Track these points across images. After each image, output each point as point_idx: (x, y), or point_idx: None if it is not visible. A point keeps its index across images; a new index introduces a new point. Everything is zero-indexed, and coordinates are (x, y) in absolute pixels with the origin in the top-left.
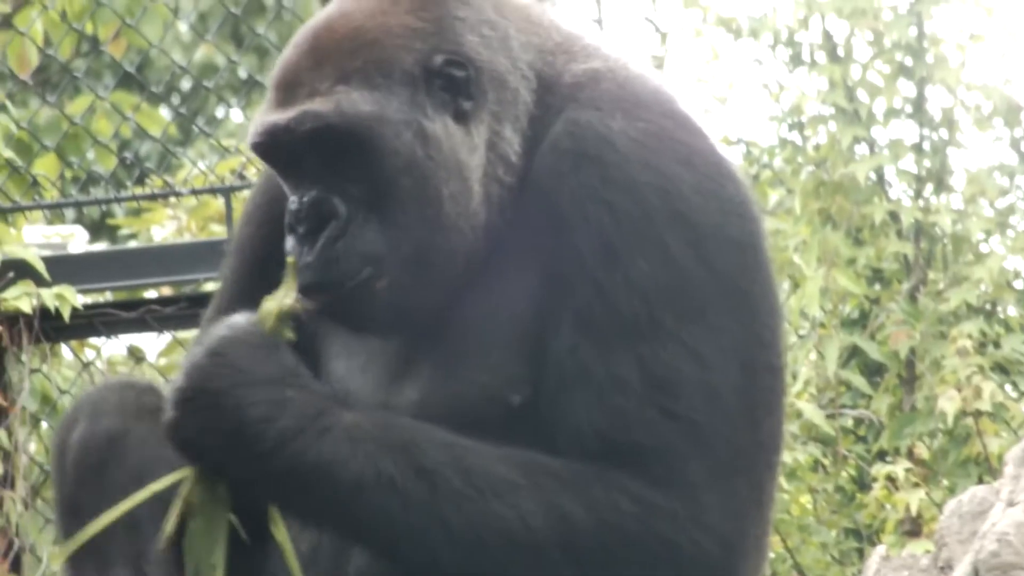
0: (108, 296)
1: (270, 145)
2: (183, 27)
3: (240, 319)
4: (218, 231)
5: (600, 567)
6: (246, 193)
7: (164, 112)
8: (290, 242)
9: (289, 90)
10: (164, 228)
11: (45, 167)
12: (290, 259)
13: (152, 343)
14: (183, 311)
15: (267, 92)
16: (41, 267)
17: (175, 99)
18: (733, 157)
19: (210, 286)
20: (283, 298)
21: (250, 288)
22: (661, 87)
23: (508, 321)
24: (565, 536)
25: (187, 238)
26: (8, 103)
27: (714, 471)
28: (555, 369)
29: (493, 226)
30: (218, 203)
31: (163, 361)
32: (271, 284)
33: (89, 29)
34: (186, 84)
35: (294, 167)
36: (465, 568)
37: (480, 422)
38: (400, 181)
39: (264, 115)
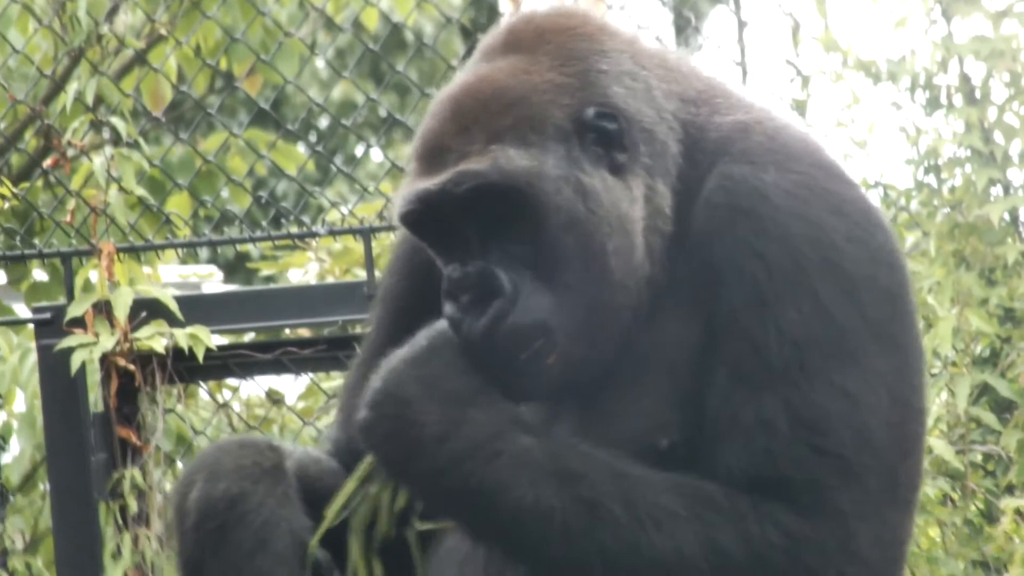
0: (248, 337)
1: (423, 213)
2: (320, 64)
3: (443, 328)
4: (360, 275)
5: None
6: (385, 235)
7: (301, 149)
8: (449, 308)
9: (437, 157)
10: (305, 272)
11: (178, 205)
12: None
13: (291, 386)
14: (321, 353)
15: (410, 164)
16: (174, 307)
17: (312, 137)
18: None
19: (350, 328)
20: None
21: (397, 336)
22: (808, 136)
23: (664, 369)
24: (717, 567)
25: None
26: (141, 140)
27: (862, 503)
28: (711, 418)
29: (654, 280)
30: (361, 247)
31: (301, 405)
32: (416, 332)
33: (223, 65)
34: (323, 122)
35: (449, 236)
36: None
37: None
38: (565, 240)
39: (412, 184)
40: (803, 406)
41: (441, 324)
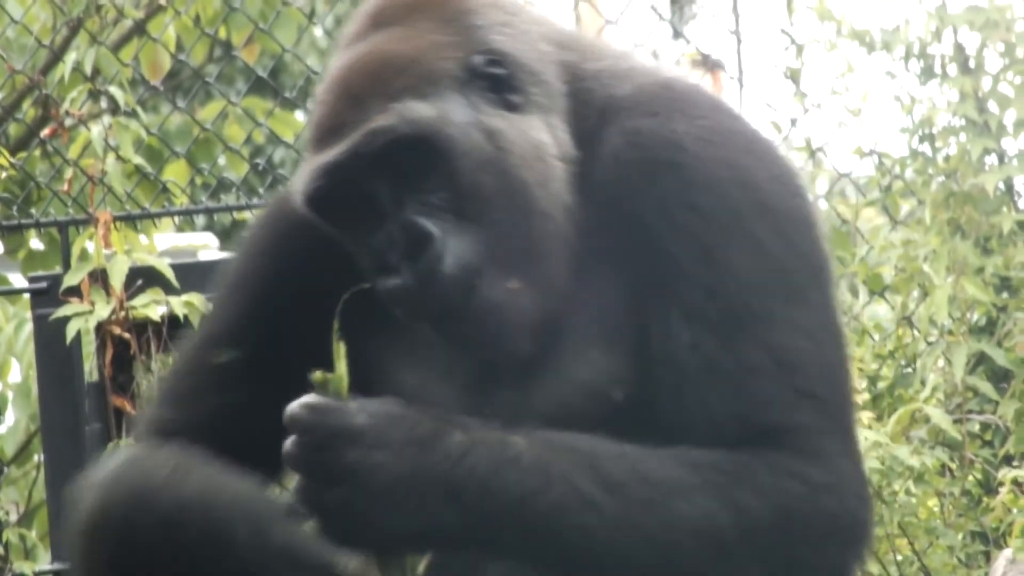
0: None
1: (331, 186)
2: (318, 32)
3: (364, 407)
4: None
5: (778, 551)
6: None
7: (299, 117)
8: (384, 279)
9: (335, 134)
10: None
11: (175, 174)
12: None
13: None
14: None
15: (307, 152)
16: (171, 275)
17: (310, 105)
18: (864, 168)
19: None
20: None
21: (254, 325)
22: (692, 81)
23: (603, 320)
24: (746, 527)
25: None
26: (139, 109)
27: (843, 440)
28: (673, 368)
29: (573, 215)
30: None
31: None
32: (275, 323)
33: (222, 34)
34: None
35: (360, 207)
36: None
37: (584, 420)
38: (482, 180)
39: (315, 161)
40: (779, 348)
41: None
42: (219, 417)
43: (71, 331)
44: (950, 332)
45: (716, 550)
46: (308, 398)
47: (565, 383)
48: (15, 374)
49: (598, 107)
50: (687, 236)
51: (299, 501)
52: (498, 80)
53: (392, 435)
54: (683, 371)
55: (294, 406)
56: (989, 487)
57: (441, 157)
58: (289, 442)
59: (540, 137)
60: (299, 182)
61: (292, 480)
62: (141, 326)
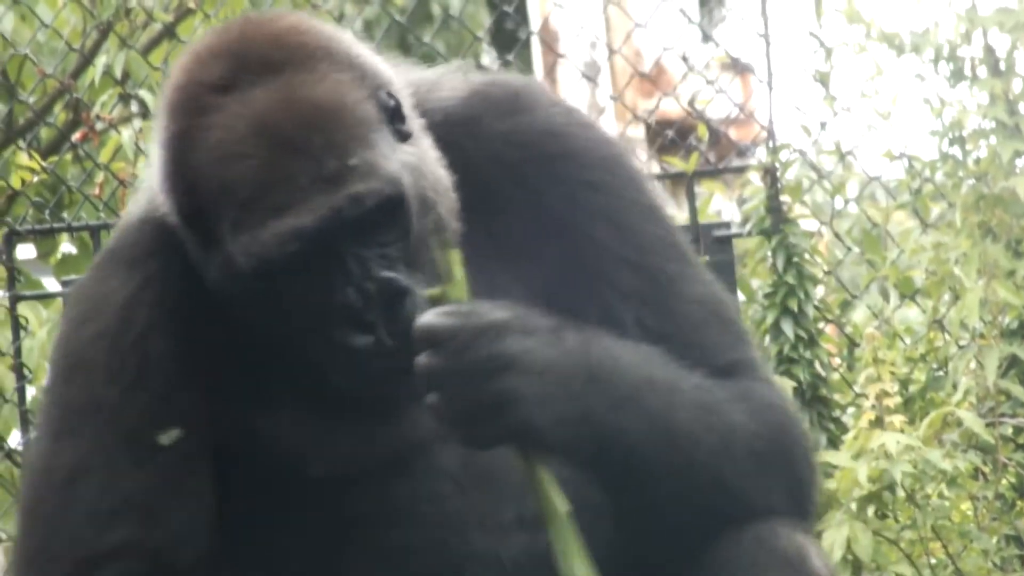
0: None
1: (302, 252)
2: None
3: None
4: None
5: (786, 464)
6: None
7: None
8: (361, 337)
9: (284, 189)
10: None
11: None
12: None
13: None
14: None
15: (234, 210)
16: None
17: None
18: (894, 171)
19: None
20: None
21: (183, 395)
22: (513, 77)
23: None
24: (768, 438)
25: None
26: None
27: (765, 365)
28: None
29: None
30: None
31: None
32: (196, 384)
33: None
34: None
35: (330, 264)
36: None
37: None
38: (423, 223)
39: (270, 226)
40: (703, 300)
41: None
42: (195, 522)
43: None
44: (982, 335)
45: (755, 461)
46: (438, 309)
47: None
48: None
49: (440, 119)
50: (602, 218)
51: (446, 413)
52: (393, 111)
53: (533, 324)
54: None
55: (428, 319)
56: (1023, 491)
57: (401, 210)
58: (428, 355)
59: (433, 163)
60: (252, 248)
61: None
62: None
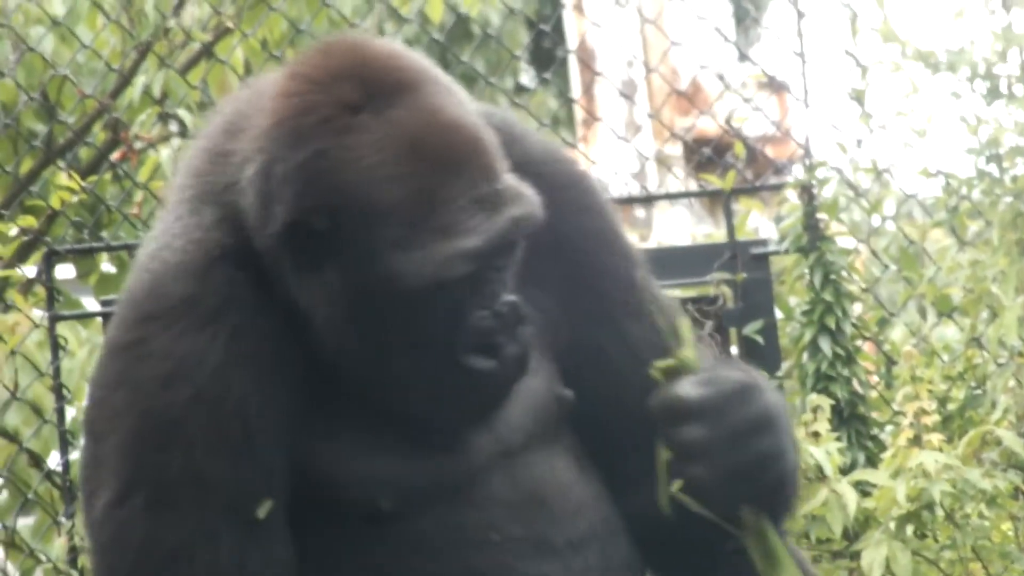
0: None
1: (478, 267)
2: None
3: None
4: None
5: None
6: None
7: None
8: (485, 361)
9: (454, 210)
10: None
11: None
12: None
13: None
14: None
15: (405, 230)
16: None
17: None
18: (931, 189)
19: None
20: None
21: (267, 455)
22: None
23: (539, 337)
24: None
25: None
26: None
27: None
28: (629, 356)
29: None
30: None
31: None
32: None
33: (289, 56)
34: None
35: (471, 284)
36: None
37: (551, 419)
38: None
39: (450, 243)
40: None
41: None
42: None
43: None
44: (1020, 353)
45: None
46: (688, 381)
47: (528, 393)
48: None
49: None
50: (608, 248)
51: (710, 481)
52: None
53: (761, 378)
54: (638, 356)
55: (683, 391)
56: None
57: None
58: (690, 428)
59: None
60: (425, 264)
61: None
62: None
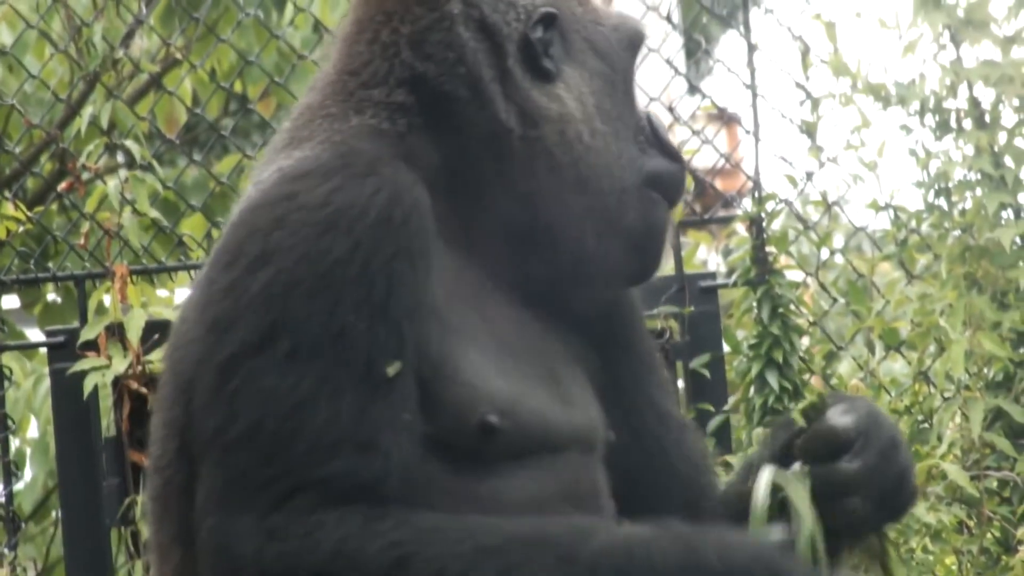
0: None
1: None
2: None
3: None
4: None
5: None
6: None
7: None
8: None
9: None
10: None
11: (192, 227)
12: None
13: None
14: None
15: None
16: None
17: None
18: (880, 222)
19: None
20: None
21: (404, 323)
22: None
23: (586, 373)
24: None
25: None
26: (155, 163)
27: None
28: (654, 420)
29: None
30: None
31: None
32: (416, 311)
33: (238, 88)
34: None
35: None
36: None
37: (601, 442)
38: None
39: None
40: None
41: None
42: (411, 450)
43: (88, 385)
44: (967, 387)
45: None
46: (835, 411)
47: (586, 414)
48: (33, 430)
49: None
50: (640, 315)
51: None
52: None
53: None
54: (661, 415)
55: (836, 422)
56: (1008, 545)
57: None
58: (848, 459)
59: None
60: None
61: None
62: (158, 380)
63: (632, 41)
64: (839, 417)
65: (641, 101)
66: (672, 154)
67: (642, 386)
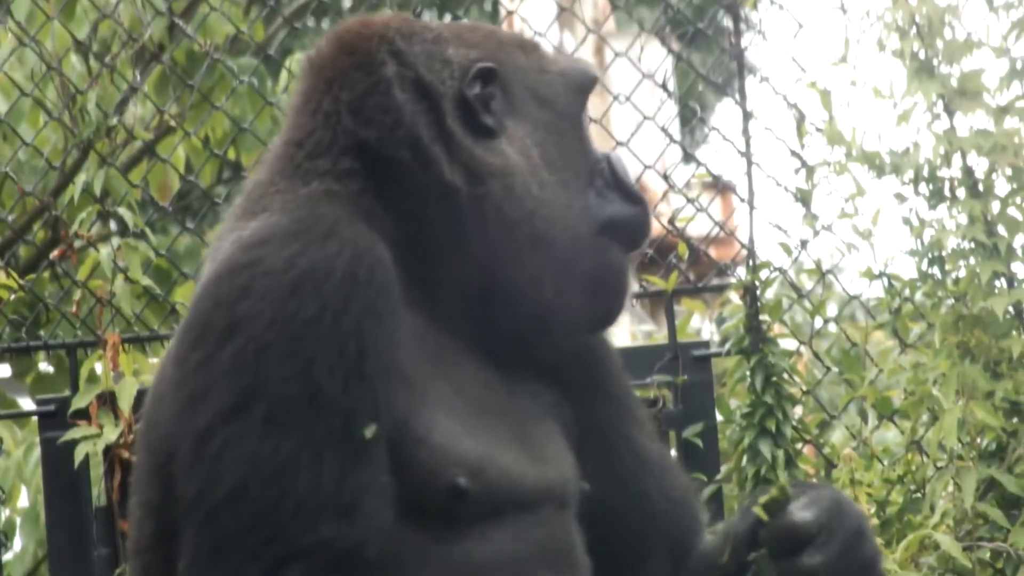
0: None
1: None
2: None
3: None
4: None
5: None
6: None
7: None
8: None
9: None
10: None
11: (184, 296)
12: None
13: None
14: None
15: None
16: None
17: None
18: (874, 290)
19: None
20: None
21: (376, 384)
22: None
23: (560, 424)
24: None
25: None
26: (148, 230)
27: None
28: (633, 461)
29: None
30: None
31: None
32: (384, 374)
33: (231, 155)
34: None
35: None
36: None
37: (574, 495)
38: None
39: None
40: None
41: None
42: (390, 513)
43: (79, 454)
44: (959, 457)
45: None
46: (798, 505)
47: (565, 466)
48: (23, 499)
49: None
50: (616, 360)
51: None
52: None
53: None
54: (644, 466)
55: (798, 516)
56: None
57: None
58: (811, 553)
59: None
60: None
61: None
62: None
63: (580, 84)
64: (800, 512)
65: (635, 168)
66: (632, 196)
67: (618, 427)
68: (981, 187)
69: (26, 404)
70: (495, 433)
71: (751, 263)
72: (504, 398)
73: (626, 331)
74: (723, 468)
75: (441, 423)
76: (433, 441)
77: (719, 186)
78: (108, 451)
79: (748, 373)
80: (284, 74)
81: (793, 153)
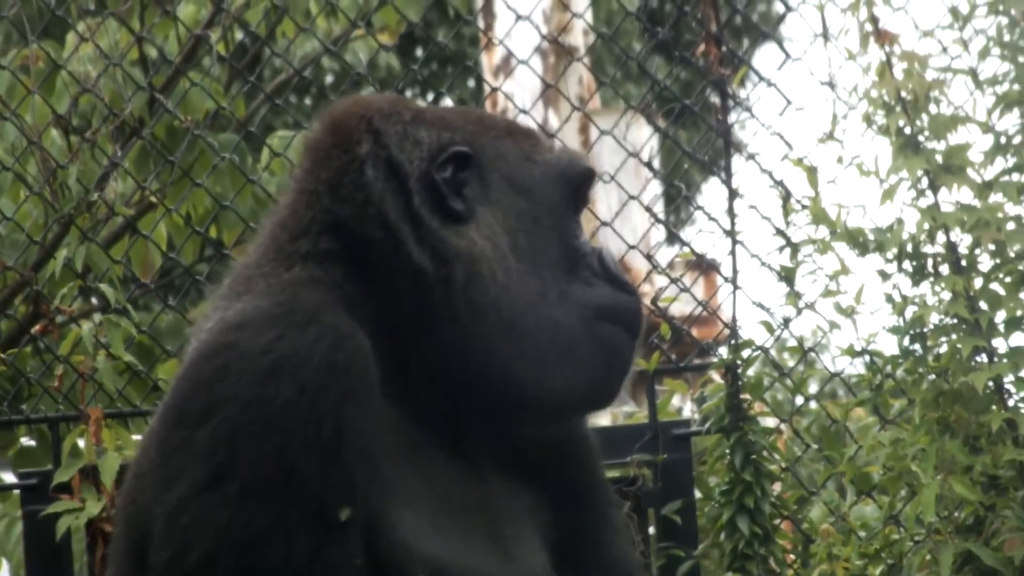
0: None
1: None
2: None
3: None
4: None
5: None
6: None
7: None
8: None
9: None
10: None
11: (167, 372)
12: None
13: None
14: None
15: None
16: None
17: None
18: (855, 367)
19: None
20: None
21: (352, 468)
22: None
23: (534, 522)
24: None
25: None
26: (130, 307)
27: None
28: (608, 552)
29: None
30: None
31: None
32: (364, 458)
33: (213, 233)
34: None
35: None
36: None
37: None
38: None
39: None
40: None
41: None
42: None
43: (61, 528)
44: (937, 531)
45: None
46: None
47: (529, 569)
48: (5, 573)
49: None
50: (594, 449)
51: None
52: None
53: None
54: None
55: None
56: None
57: None
58: None
59: None
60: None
61: None
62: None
63: (564, 175)
64: None
65: (618, 248)
66: (624, 287)
67: (593, 533)
68: (964, 263)
69: (8, 478)
70: (465, 531)
71: (733, 342)
72: (478, 495)
73: (607, 412)
74: (701, 544)
75: (407, 520)
76: (398, 537)
77: (703, 265)
78: (91, 525)
79: (728, 451)
80: (265, 151)
81: (778, 231)
